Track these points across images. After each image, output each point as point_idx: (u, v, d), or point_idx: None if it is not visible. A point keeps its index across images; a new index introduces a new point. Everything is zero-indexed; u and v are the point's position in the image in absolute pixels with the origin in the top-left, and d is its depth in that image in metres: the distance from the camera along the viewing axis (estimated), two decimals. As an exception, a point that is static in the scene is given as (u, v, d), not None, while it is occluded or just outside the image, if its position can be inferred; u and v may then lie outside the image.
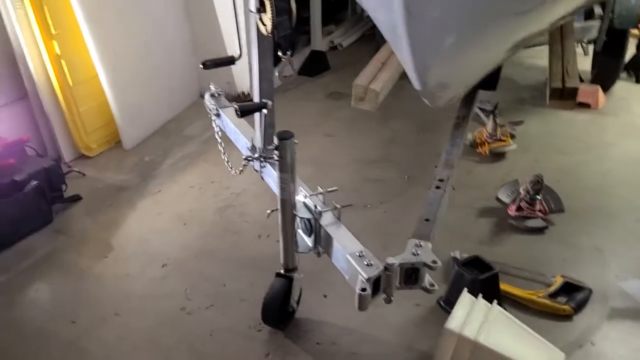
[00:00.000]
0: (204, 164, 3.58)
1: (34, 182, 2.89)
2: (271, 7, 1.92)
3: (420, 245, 1.83)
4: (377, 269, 1.70)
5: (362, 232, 2.90)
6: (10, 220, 2.80)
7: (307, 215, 2.00)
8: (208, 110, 2.65)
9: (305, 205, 2.05)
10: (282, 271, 2.20)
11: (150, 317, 2.36)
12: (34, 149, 3.30)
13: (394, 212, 2.99)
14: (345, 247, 1.83)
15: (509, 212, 2.87)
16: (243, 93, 4.43)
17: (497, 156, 3.49)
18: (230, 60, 2.25)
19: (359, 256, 1.75)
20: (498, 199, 2.96)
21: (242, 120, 2.39)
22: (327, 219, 1.98)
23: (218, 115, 2.62)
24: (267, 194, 2.90)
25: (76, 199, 3.19)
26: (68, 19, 3.32)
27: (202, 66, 2.20)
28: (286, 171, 1.94)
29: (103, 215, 3.08)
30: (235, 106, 1.90)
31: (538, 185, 2.78)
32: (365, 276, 1.67)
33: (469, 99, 2.96)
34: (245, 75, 4.28)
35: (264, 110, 2.09)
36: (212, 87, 2.69)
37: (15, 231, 2.83)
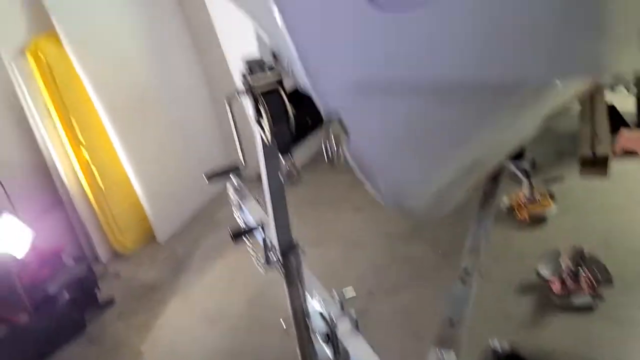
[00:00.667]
0: (234, 252, 3.56)
1: (67, 296, 2.94)
2: (266, 113, 1.91)
3: (443, 358, 1.68)
4: None
5: (392, 321, 2.78)
6: (44, 334, 2.85)
7: (323, 325, 1.90)
8: (231, 203, 2.65)
9: (320, 314, 1.95)
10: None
11: None
12: (70, 255, 3.38)
13: (427, 295, 2.83)
14: None
15: (552, 288, 2.65)
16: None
17: (538, 221, 3.28)
18: (235, 168, 2.24)
19: None
20: (538, 274, 2.75)
21: (263, 213, 2.36)
22: (343, 329, 1.86)
23: (240, 207, 2.62)
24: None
25: (110, 303, 3.23)
26: (95, 126, 3.46)
27: (205, 178, 2.19)
28: (294, 284, 1.86)
29: (135, 319, 3.09)
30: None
31: (578, 258, 2.56)
32: None
33: (494, 172, 2.81)
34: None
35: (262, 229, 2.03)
36: (232, 179, 2.69)
37: (49, 344, 2.88)
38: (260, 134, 2.04)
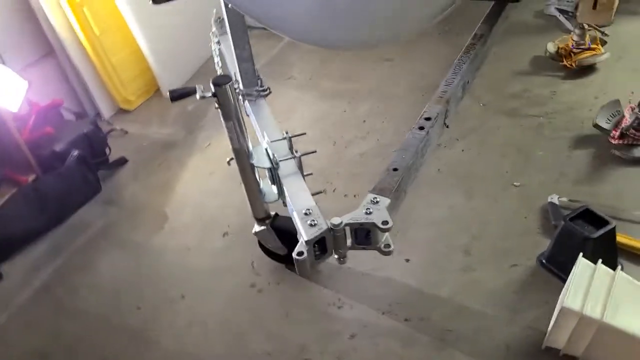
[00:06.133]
0: (251, 107, 3.26)
1: (75, 152, 2.66)
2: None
3: (377, 202, 1.56)
4: (319, 230, 1.46)
5: (440, 176, 2.59)
6: (57, 195, 2.62)
7: (266, 164, 1.79)
8: (211, 37, 2.44)
9: (266, 152, 1.83)
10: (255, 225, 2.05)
11: (218, 297, 2.17)
12: (70, 110, 3.06)
13: (475, 150, 2.63)
14: (295, 202, 1.59)
15: (611, 140, 2.46)
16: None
17: (586, 69, 3.00)
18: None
19: (305, 214, 1.51)
20: (597, 126, 2.51)
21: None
22: (285, 169, 1.74)
23: (219, 42, 2.40)
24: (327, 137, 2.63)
25: (122, 162, 2.97)
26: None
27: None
28: (230, 119, 1.71)
29: (153, 178, 2.85)
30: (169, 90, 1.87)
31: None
32: (305, 237, 1.44)
33: (494, 11, 2.57)
34: None
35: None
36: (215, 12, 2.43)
37: (64, 206, 2.65)
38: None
